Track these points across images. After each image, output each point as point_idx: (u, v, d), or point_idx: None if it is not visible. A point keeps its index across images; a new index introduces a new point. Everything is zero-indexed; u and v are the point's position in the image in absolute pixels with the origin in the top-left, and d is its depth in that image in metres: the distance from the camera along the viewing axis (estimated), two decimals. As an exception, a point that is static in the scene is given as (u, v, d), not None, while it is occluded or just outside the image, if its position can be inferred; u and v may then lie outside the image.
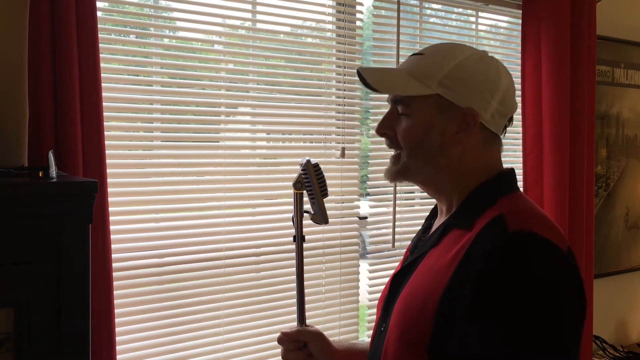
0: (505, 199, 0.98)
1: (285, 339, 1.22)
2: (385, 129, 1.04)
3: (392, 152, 1.07)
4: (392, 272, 1.12)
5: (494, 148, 1.03)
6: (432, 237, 1.04)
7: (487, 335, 0.85)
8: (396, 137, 1.03)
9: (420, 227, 1.18)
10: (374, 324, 1.15)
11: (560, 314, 0.86)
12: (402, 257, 1.18)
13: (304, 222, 1.27)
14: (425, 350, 0.91)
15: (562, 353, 0.85)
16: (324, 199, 1.23)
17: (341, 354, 1.24)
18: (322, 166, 1.24)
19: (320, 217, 1.23)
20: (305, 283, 1.29)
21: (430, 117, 0.99)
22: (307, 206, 1.25)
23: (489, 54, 1.04)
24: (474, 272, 0.87)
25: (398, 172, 1.04)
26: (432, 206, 1.16)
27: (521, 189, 2.12)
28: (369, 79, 1.02)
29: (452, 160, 1.00)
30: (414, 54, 1.06)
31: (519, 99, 2.49)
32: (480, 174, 1.01)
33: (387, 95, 1.07)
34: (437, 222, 1.08)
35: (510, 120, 1.05)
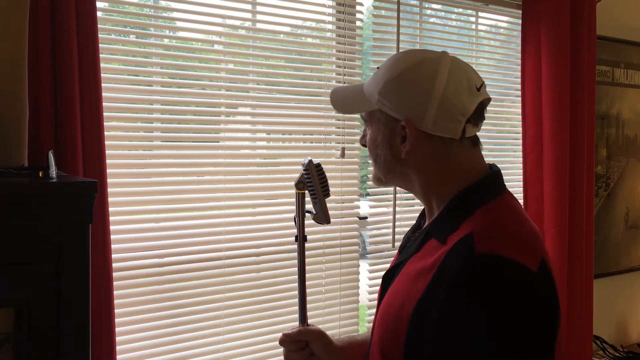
0: (480, 211, 0.96)
1: (287, 340, 1.22)
2: (362, 140, 1.11)
3: None
4: None
5: (459, 153, 1.01)
6: (416, 241, 1.04)
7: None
8: None
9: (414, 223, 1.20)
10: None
11: (519, 340, 0.85)
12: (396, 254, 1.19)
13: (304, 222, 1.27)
14: (400, 356, 0.93)
15: None
16: (326, 199, 1.23)
17: (342, 350, 1.24)
18: (322, 166, 1.24)
19: (322, 217, 1.23)
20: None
21: (378, 131, 1.04)
22: (308, 206, 1.25)
23: (438, 56, 1.01)
24: (440, 297, 0.88)
25: (375, 179, 1.11)
26: None
27: (521, 189, 2.13)
28: (334, 102, 1.12)
29: (412, 168, 1.02)
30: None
31: (518, 99, 2.50)
32: (456, 181, 1.01)
33: None
34: (426, 224, 1.09)
35: (474, 119, 1.00)
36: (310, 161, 1.21)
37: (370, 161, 1.11)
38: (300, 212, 1.25)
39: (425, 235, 1.01)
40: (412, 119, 0.99)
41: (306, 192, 1.24)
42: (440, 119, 0.98)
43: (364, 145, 1.10)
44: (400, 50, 2.27)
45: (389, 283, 1.05)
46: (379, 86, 1.02)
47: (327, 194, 1.23)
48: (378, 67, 1.09)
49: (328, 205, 1.24)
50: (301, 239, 1.25)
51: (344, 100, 1.12)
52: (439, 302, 0.88)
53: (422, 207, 1.12)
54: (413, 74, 1.00)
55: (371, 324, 1.17)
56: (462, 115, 0.99)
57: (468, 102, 0.99)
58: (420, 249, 1.00)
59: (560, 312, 0.92)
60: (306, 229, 1.28)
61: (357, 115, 2.17)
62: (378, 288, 1.13)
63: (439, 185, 1.02)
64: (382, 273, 1.10)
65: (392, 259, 1.17)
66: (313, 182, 1.21)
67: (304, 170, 1.22)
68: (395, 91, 1.00)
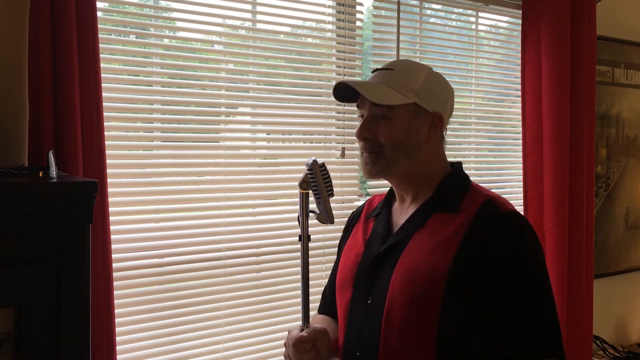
0: (473, 187, 1.24)
1: (303, 342, 1.21)
2: (367, 133, 1.22)
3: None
4: None
5: (443, 144, 1.28)
6: (412, 221, 1.21)
7: (498, 298, 1.09)
8: (376, 139, 1.21)
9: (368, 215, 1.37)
10: (338, 304, 1.30)
11: (545, 269, 1.14)
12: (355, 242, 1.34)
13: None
14: (437, 308, 1.10)
15: (552, 300, 1.14)
16: (330, 199, 1.23)
17: (335, 344, 1.29)
18: (326, 166, 1.24)
19: (326, 216, 1.23)
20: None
21: (409, 120, 1.21)
22: (312, 206, 1.25)
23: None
24: (479, 250, 1.10)
25: (381, 169, 1.22)
26: None
27: (521, 189, 2.23)
28: (364, 92, 1.21)
29: (425, 154, 1.23)
30: (382, 69, 1.27)
31: (518, 99, 2.50)
32: (440, 167, 1.26)
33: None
34: (401, 209, 1.27)
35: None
36: (315, 161, 1.21)
37: (369, 153, 1.22)
38: (304, 212, 1.25)
39: (426, 212, 1.20)
40: (441, 112, 1.23)
41: (310, 192, 1.24)
42: (449, 116, 1.28)
43: (364, 139, 1.22)
44: (401, 50, 2.27)
45: (387, 260, 1.19)
46: (415, 83, 1.22)
47: (331, 194, 1.23)
48: (378, 69, 1.28)
49: (331, 204, 1.25)
50: (305, 238, 1.25)
51: (370, 90, 1.22)
52: (483, 253, 1.09)
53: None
54: (439, 79, 1.26)
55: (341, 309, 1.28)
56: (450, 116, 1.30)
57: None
58: (425, 225, 1.18)
59: None
60: (308, 229, 1.28)
61: (357, 115, 2.17)
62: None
63: (433, 170, 1.25)
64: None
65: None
66: (317, 182, 1.21)
67: (308, 170, 1.22)
68: (432, 88, 1.23)
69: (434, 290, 1.10)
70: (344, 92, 1.25)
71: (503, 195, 1.25)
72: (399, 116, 1.20)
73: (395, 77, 1.23)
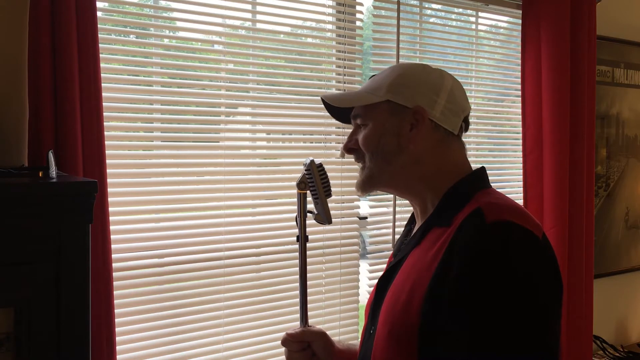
0: (480, 194, 1.02)
1: (290, 340, 1.21)
2: (350, 144, 1.12)
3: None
4: None
5: (456, 148, 1.10)
6: (413, 239, 1.08)
7: (467, 323, 0.89)
8: (359, 149, 1.10)
9: (402, 231, 1.22)
10: (362, 328, 1.17)
11: (535, 299, 0.90)
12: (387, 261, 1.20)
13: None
14: (414, 343, 0.95)
15: (538, 340, 0.89)
16: (328, 199, 1.23)
17: (342, 354, 1.25)
18: (324, 166, 1.24)
19: (324, 217, 1.22)
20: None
21: (384, 121, 1.07)
22: (310, 206, 1.25)
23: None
24: (456, 262, 0.92)
25: (364, 181, 1.10)
26: None
27: (521, 189, 2.15)
28: (329, 100, 1.12)
29: (413, 158, 1.06)
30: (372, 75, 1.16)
31: (518, 99, 2.50)
32: (451, 174, 1.07)
33: None
34: (417, 226, 1.12)
35: (466, 121, 1.11)
36: (312, 161, 1.21)
37: (359, 165, 1.12)
38: (302, 212, 1.24)
39: (425, 229, 1.05)
40: (424, 106, 1.05)
41: (308, 192, 1.24)
42: (447, 110, 1.07)
43: (350, 152, 1.12)
44: (401, 50, 2.27)
45: (387, 285, 1.07)
46: (387, 80, 1.08)
47: (329, 194, 1.22)
48: (374, 75, 1.15)
49: (328, 205, 1.24)
50: (303, 239, 1.25)
51: (340, 97, 1.15)
52: (455, 267, 0.91)
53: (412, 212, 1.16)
54: (423, 71, 1.10)
55: (362, 335, 1.17)
56: (462, 111, 1.10)
57: (466, 104, 1.11)
58: (421, 242, 1.04)
59: (562, 286, 0.97)
60: (307, 229, 1.28)
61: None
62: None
63: (435, 177, 1.07)
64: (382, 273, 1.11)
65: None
66: (315, 182, 1.21)
67: (305, 170, 1.22)
68: (407, 82, 1.07)
69: (409, 323, 0.96)
70: (337, 110, 1.16)
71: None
72: (373, 119, 1.08)
73: (372, 80, 1.13)
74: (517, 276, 0.89)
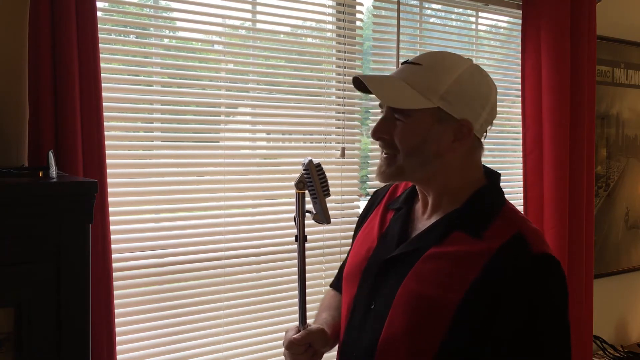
0: (506, 208, 1.10)
1: (295, 344, 1.21)
2: (382, 133, 1.10)
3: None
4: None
5: (480, 152, 1.13)
6: (431, 232, 1.09)
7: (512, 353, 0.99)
8: (392, 140, 1.08)
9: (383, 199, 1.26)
10: (343, 294, 1.22)
11: (567, 330, 1.02)
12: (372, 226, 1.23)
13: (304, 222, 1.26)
14: (437, 343, 1.01)
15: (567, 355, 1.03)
16: (326, 199, 1.23)
17: (333, 335, 1.24)
18: (322, 166, 1.24)
19: (322, 217, 1.22)
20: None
21: (429, 126, 1.06)
22: (309, 206, 1.24)
23: (476, 64, 1.12)
24: (498, 292, 0.99)
25: (393, 173, 1.10)
26: None
27: (521, 189, 2.15)
28: (378, 93, 1.08)
29: (446, 165, 1.08)
30: (408, 62, 1.12)
31: (518, 99, 2.50)
32: (473, 178, 1.12)
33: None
34: (423, 210, 1.15)
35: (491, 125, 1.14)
36: (310, 161, 1.21)
37: (385, 155, 1.10)
38: (301, 212, 1.24)
39: (447, 229, 1.07)
40: (470, 120, 1.07)
41: (306, 192, 1.23)
42: (485, 123, 1.10)
43: (379, 139, 1.10)
44: (401, 50, 2.27)
45: (397, 267, 1.10)
46: (441, 85, 1.06)
47: (328, 194, 1.22)
48: (408, 62, 1.11)
49: (328, 205, 1.24)
50: (301, 239, 1.24)
51: (389, 91, 1.09)
52: (497, 298, 0.98)
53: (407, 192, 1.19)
54: (476, 80, 1.10)
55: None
56: (493, 120, 1.13)
57: (497, 110, 1.14)
58: (443, 241, 1.06)
59: None
60: (306, 229, 1.27)
61: (358, 115, 2.17)
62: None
63: (460, 179, 1.10)
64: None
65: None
66: (313, 181, 1.20)
67: (304, 170, 1.21)
68: (461, 92, 1.07)
69: (437, 324, 1.02)
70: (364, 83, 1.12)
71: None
72: (418, 119, 1.06)
73: (420, 75, 1.08)
74: (560, 309, 1.02)
